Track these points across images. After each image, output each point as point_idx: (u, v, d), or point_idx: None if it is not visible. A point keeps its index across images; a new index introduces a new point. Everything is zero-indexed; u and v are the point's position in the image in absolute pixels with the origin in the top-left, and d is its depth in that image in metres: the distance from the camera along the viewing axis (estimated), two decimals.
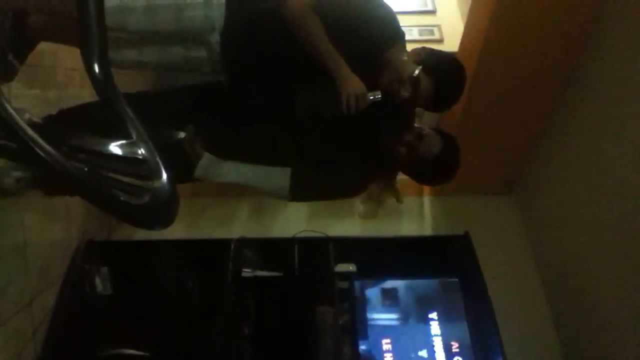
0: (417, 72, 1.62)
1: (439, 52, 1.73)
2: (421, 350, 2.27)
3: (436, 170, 1.78)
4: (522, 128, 2.79)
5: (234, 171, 1.78)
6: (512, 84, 2.58)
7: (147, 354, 2.26)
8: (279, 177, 1.78)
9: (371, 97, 1.63)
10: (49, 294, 2.26)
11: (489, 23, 2.39)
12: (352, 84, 1.59)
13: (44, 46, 1.89)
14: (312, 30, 1.62)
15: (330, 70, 1.61)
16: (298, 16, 1.62)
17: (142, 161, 1.44)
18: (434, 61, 1.67)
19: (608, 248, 2.33)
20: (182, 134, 1.86)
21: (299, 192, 1.79)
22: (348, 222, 2.86)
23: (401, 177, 3.06)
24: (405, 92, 1.64)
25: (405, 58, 1.69)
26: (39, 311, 2.15)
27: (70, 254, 2.43)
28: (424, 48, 1.73)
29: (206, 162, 1.75)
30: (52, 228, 2.30)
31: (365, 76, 1.63)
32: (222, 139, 1.81)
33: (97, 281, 2.40)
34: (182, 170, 1.73)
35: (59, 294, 2.28)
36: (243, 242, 2.52)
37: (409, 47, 1.76)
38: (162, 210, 1.46)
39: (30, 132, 1.21)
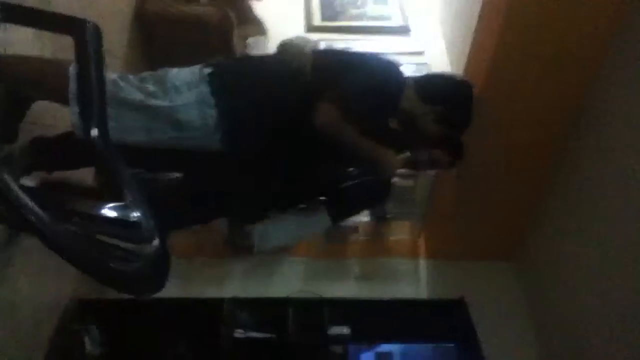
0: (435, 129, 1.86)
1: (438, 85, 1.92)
2: None
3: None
4: (521, 191, 2.78)
5: (281, 234, 2.00)
6: (512, 141, 2.57)
7: None
8: (319, 219, 2.01)
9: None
10: (40, 356, 2.21)
11: (487, 74, 2.40)
12: (391, 161, 1.89)
13: (44, 105, 1.91)
14: (346, 135, 1.79)
15: (370, 157, 1.86)
16: (331, 130, 1.77)
17: (136, 225, 1.44)
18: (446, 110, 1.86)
19: (611, 321, 2.29)
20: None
21: (341, 215, 2.08)
22: (343, 284, 2.81)
23: (396, 237, 3.09)
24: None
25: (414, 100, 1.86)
26: None
27: (61, 313, 2.39)
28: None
29: (259, 232, 1.95)
30: (43, 287, 2.27)
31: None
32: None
33: (87, 341, 2.35)
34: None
35: (47, 357, 2.23)
36: (236, 302, 2.49)
37: None
38: (153, 276, 1.45)
39: (22, 195, 1.21)
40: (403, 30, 3.87)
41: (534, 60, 2.35)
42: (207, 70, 1.71)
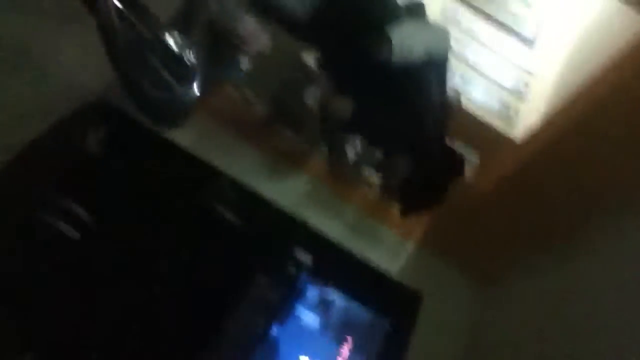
0: None
1: None
2: None
3: None
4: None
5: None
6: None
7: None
8: None
9: None
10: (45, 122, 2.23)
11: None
12: None
13: None
14: None
15: None
16: None
17: (184, 63, 1.50)
18: None
19: None
20: None
21: None
22: (330, 221, 2.87)
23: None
24: None
25: None
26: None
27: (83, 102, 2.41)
28: None
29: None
30: (84, 69, 2.28)
31: None
32: None
33: (91, 136, 2.39)
34: None
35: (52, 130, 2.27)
36: (231, 183, 2.58)
37: None
38: (174, 112, 1.52)
39: None
40: (528, 42, 3.71)
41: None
42: None
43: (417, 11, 2.12)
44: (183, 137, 2.51)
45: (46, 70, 2.03)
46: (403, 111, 2.06)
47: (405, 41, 1.94)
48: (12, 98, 1.90)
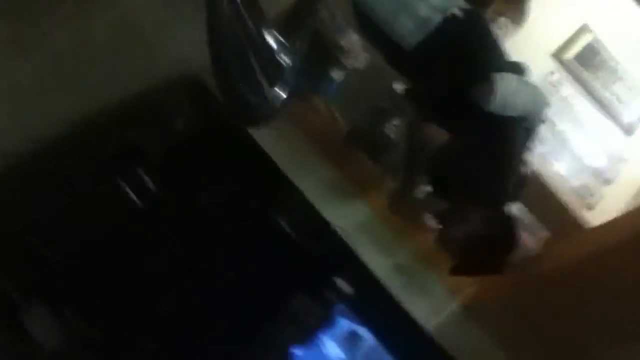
0: None
1: None
2: None
3: None
4: None
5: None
6: None
7: None
8: None
9: None
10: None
11: None
12: None
13: None
14: None
15: None
16: None
17: (279, 65, 1.48)
18: None
19: None
20: None
21: None
22: (381, 257, 2.78)
23: None
24: None
25: None
26: None
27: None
28: None
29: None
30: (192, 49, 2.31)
31: None
32: None
33: (178, 117, 2.42)
34: None
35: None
36: (295, 194, 2.54)
37: None
38: (259, 111, 1.50)
39: None
40: (626, 128, 3.54)
41: None
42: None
43: (520, 69, 2.07)
44: (261, 135, 2.50)
45: (155, 45, 2.06)
46: (482, 163, 1.99)
47: (509, 93, 1.89)
48: (119, 68, 1.95)
